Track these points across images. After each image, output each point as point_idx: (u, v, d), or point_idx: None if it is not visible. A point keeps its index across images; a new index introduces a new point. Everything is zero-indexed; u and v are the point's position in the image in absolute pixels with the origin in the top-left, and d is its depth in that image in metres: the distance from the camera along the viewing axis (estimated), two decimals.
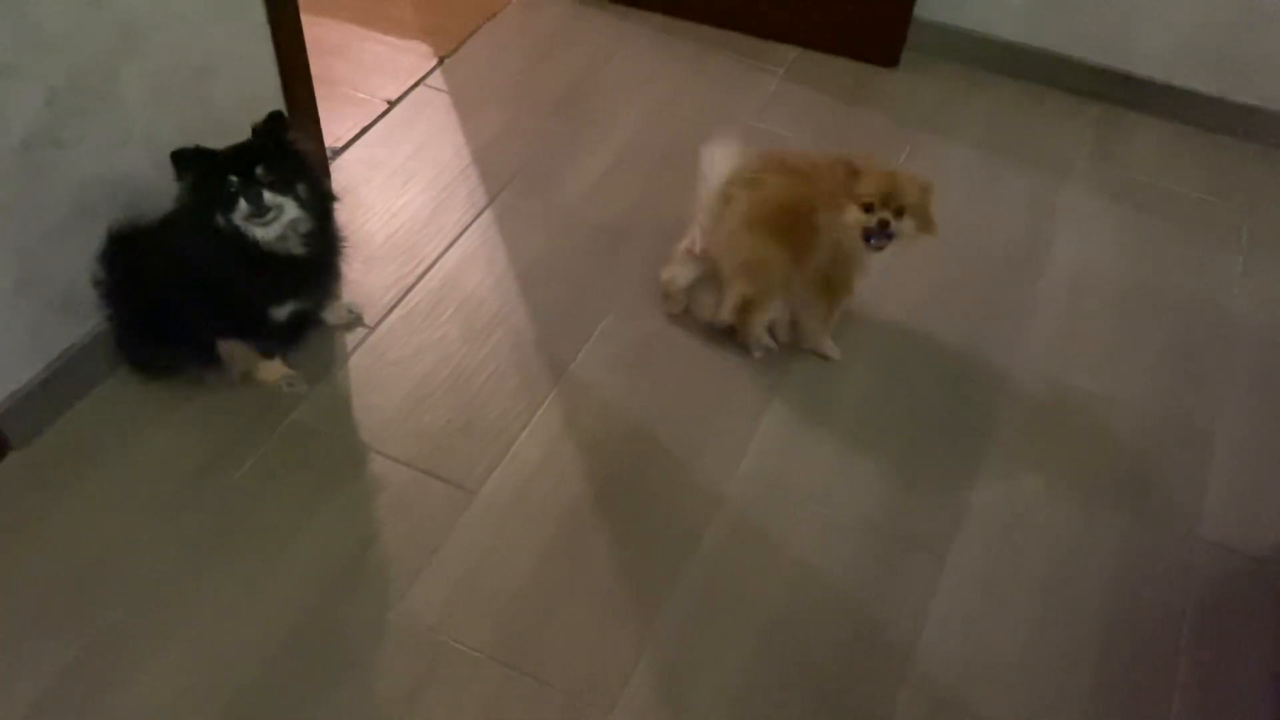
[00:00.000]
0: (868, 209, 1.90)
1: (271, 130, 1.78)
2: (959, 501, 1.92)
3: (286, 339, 2.01)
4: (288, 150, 1.78)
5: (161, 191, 1.89)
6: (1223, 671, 1.72)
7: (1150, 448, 2.03)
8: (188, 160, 1.74)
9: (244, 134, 1.83)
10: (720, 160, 1.96)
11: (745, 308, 2.05)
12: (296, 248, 1.80)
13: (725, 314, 2.08)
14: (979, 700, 1.66)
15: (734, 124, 2.66)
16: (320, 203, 1.83)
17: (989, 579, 1.82)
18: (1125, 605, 1.80)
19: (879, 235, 1.90)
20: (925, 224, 1.93)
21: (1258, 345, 2.24)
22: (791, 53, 2.90)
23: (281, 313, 1.93)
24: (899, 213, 1.90)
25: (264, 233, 1.75)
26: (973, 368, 2.15)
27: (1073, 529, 1.90)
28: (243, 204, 1.72)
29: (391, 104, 2.66)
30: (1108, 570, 1.84)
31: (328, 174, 2.40)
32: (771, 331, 2.14)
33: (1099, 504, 1.94)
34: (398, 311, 2.17)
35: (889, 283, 2.18)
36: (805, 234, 1.95)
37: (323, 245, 1.87)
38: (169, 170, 1.76)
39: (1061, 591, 1.81)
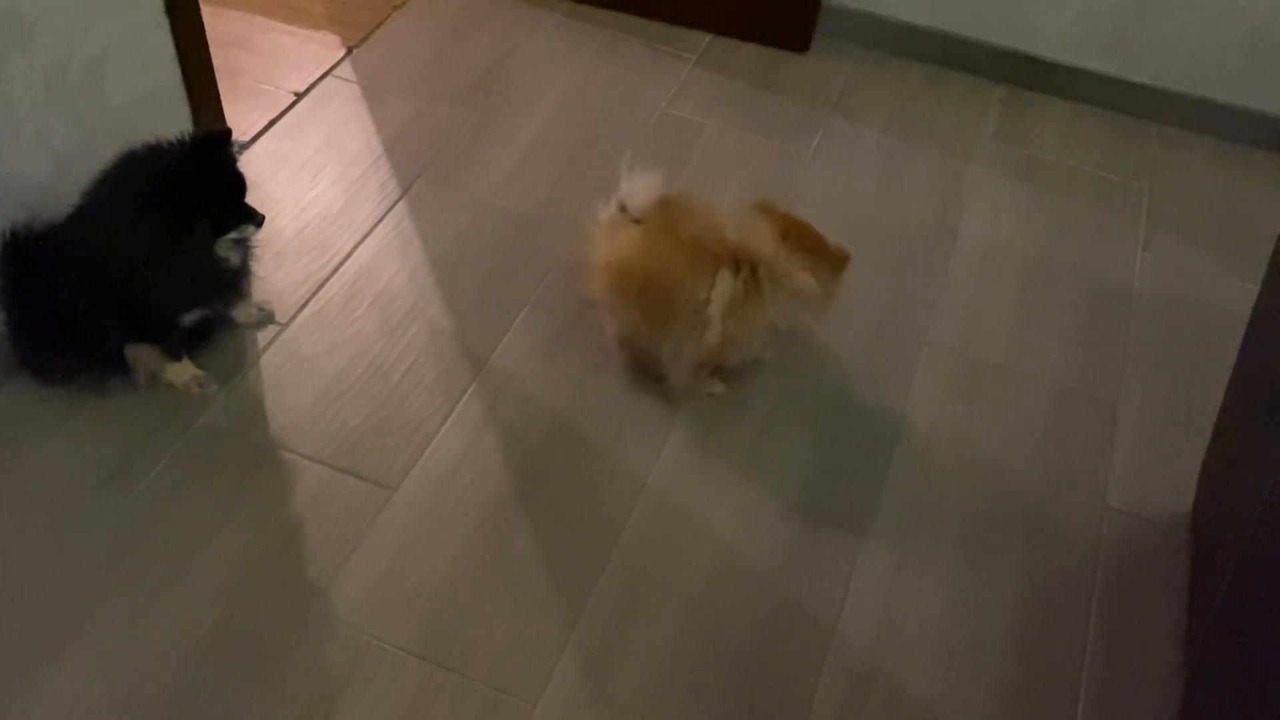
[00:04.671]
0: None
1: (221, 148, 1.81)
2: (876, 478, 1.95)
3: (195, 340, 1.97)
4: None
5: (60, 191, 1.84)
6: (1130, 632, 1.78)
7: (1058, 420, 2.09)
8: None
9: (145, 132, 1.79)
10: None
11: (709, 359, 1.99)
12: (236, 260, 1.88)
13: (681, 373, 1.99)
14: (898, 672, 1.70)
15: (648, 111, 2.66)
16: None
17: (906, 554, 1.85)
18: (1038, 574, 1.85)
19: None
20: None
21: (1157, 318, 2.31)
22: (703, 39, 2.91)
23: (191, 317, 1.92)
24: None
25: (235, 254, 1.85)
26: (886, 348, 2.19)
27: (985, 501, 1.94)
28: (251, 228, 1.82)
29: (299, 96, 2.61)
30: (1020, 540, 1.89)
31: None
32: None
33: (1010, 476, 1.98)
34: (310, 307, 2.14)
35: None
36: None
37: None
38: (66, 168, 1.71)
39: (975, 562, 1.85)
